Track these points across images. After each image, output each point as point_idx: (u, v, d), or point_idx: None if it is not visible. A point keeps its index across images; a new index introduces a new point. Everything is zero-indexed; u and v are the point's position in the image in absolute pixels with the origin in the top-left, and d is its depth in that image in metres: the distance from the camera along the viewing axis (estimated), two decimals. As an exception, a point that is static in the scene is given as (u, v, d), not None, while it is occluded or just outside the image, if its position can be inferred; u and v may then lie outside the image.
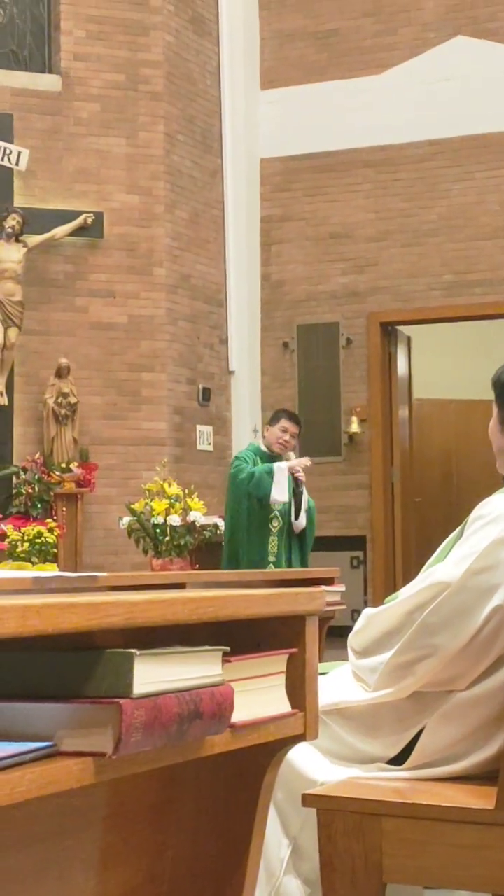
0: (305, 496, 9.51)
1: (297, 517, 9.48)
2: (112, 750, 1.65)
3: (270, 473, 9.25)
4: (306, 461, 9.50)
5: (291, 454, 9.67)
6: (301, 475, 9.42)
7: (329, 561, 10.58)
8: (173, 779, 2.15)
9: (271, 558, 9.41)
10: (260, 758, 2.16)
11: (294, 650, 2.12)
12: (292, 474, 9.39)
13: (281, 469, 9.28)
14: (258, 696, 2.03)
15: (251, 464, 9.42)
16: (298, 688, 2.13)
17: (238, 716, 1.93)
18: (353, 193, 13.39)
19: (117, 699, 1.66)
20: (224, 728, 1.89)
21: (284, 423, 9.62)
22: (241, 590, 2.02)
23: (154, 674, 1.73)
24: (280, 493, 9.26)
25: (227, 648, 1.91)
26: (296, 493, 9.43)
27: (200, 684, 1.83)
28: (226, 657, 1.91)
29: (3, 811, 1.55)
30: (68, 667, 1.72)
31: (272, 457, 9.51)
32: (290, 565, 9.45)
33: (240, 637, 2.05)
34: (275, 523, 9.43)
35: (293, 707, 2.12)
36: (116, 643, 1.79)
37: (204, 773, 2.19)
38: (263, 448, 9.64)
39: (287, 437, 9.57)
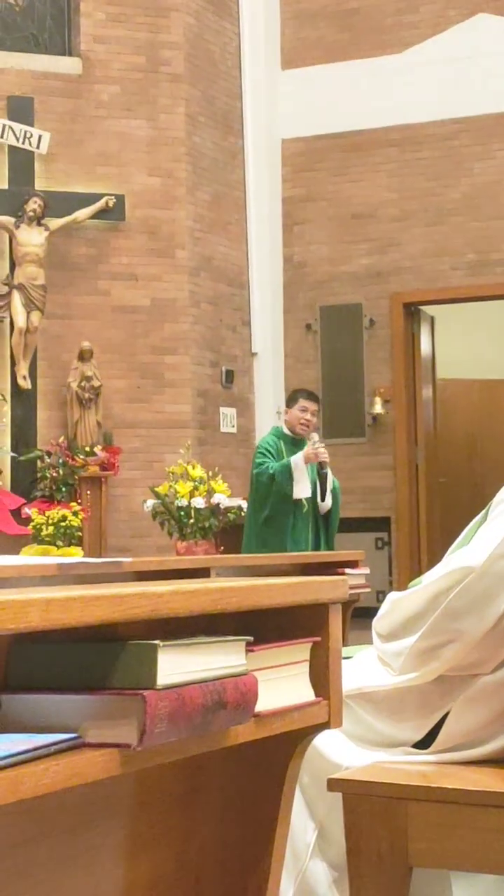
0: (330, 477, 9.49)
1: (322, 498, 9.47)
2: (137, 741, 1.65)
3: (288, 471, 9.20)
4: (322, 452, 9.41)
5: (315, 434, 9.65)
6: (325, 456, 9.40)
7: (353, 542, 10.57)
8: (199, 768, 2.15)
9: (300, 542, 9.41)
10: (284, 746, 2.16)
11: (318, 639, 2.13)
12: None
13: (297, 465, 9.22)
14: (282, 684, 2.03)
15: (274, 454, 9.40)
16: (322, 676, 2.13)
17: (262, 705, 1.93)
18: (375, 173, 13.35)
19: (141, 691, 1.66)
20: (248, 718, 1.89)
21: (303, 402, 9.58)
22: (264, 579, 2.03)
23: (178, 664, 1.73)
24: (302, 490, 9.24)
25: (251, 638, 1.92)
26: (320, 475, 9.41)
27: (224, 674, 1.83)
28: (249, 647, 1.92)
29: (30, 803, 1.56)
30: (92, 658, 1.72)
31: (295, 440, 9.49)
32: (317, 547, 9.44)
33: (263, 625, 2.05)
34: (301, 506, 9.43)
35: (317, 695, 2.12)
36: (140, 633, 1.79)
37: (229, 763, 2.19)
38: (286, 431, 9.61)
39: (308, 417, 9.54)
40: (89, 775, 1.62)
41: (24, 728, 1.68)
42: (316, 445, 9.39)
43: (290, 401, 9.70)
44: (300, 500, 9.27)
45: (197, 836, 2.21)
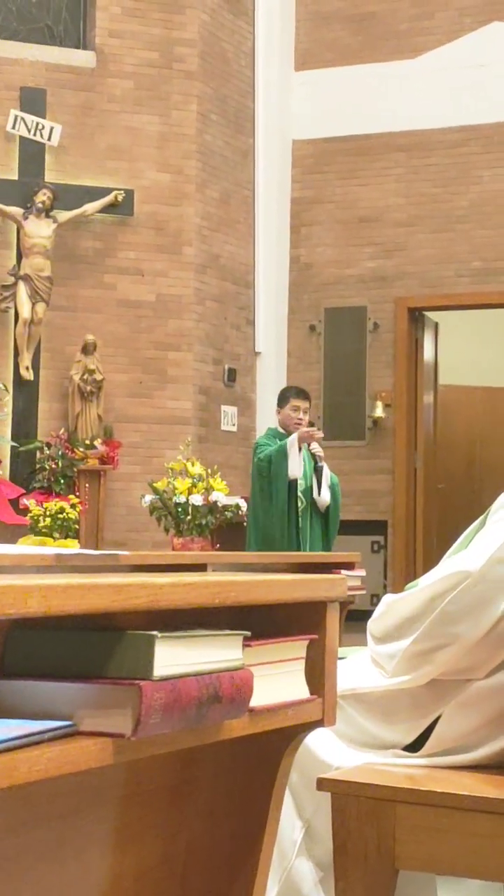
0: (326, 471, 9.51)
1: (319, 493, 9.50)
2: (131, 731, 1.66)
3: (283, 451, 9.26)
4: (318, 433, 9.51)
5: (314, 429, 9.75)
6: (319, 452, 9.45)
7: (350, 545, 10.57)
8: (191, 761, 2.16)
9: (300, 540, 9.44)
10: (277, 742, 2.17)
11: (314, 636, 2.13)
12: (310, 451, 9.43)
13: (291, 444, 9.29)
14: (277, 681, 2.04)
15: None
16: (318, 674, 2.14)
17: (257, 700, 1.93)
18: (384, 177, 13.36)
19: (137, 681, 1.66)
20: (243, 712, 1.90)
21: (294, 402, 9.59)
22: (263, 575, 2.03)
23: (175, 656, 1.73)
24: (294, 467, 9.28)
25: (248, 633, 1.92)
26: (315, 469, 9.43)
27: (220, 668, 1.83)
28: (246, 641, 1.92)
29: (22, 789, 1.56)
30: (89, 647, 1.73)
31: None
32: (316, 546, 9.48)
33: (260, 622, 2.05)
34: (299, 504, 9.46)
35: (312, 693, 2.12)
36: (138, 624, 1.80)
37: (221, 757, 2.20)
38: (280, 430, 9.63)
39: (301, 415, 9.56)
40: (82, 763, 1.63)
41: (19, 714, 1.68)
42: (312, 430, 9.50)
43: (282, 400, 9.69)
44: (295, 480, 9.30)
45: (185, 830, 2.21)
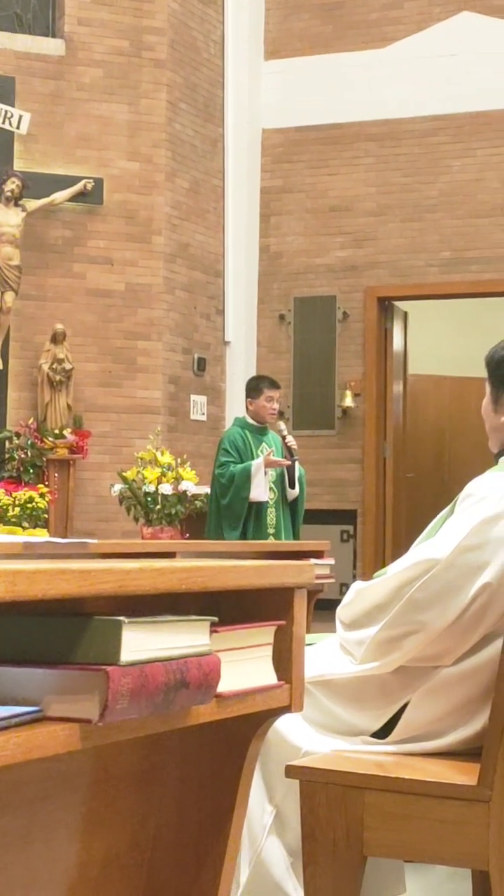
0: (297, 466, 9.59)
1: (292, 486, 9.56)
2: (98, 716, 1.66)
3: (247, 475, 9.32)
4: (284, 461, 9.55)
5: (282, 424, 9.82)
6: (294, 444, 9.53)
7: (319, 534, 10.60)
8: (158, 747, 2.16)
9: (270, 530, 9.49)
10: (245, 728, 2.17)
11: (282, 622, 2.13)
12: (285, 445, 9.50)
13: (258, 469, 9.34)
14: (245, 666, 2.04)
15: (240, 449, 9.50)
16: (285, 660, 2.14)
17: (224, 686, 1.94)
18: (353, 167, 13.36)
19: (104, 666, 1.66)
20: (210, 698, 1.90)
21: (268, 392, 9.65)
22: (231, 561, 2.03)
23: (142, 642, 1.73)
24: (259, 493, 9.37)
25: (216, 618, 1.92)
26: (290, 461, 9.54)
27: (188, 653, 1.83)
28: (214, 627, 1.92)
29: (-11, 774, 1.56)
30: (57, 632, 1.73)
31: (260, 428, 9.60)
32: (287, 536, 9.56)
33: (228, 608, 2.05)
34: (271, 495, 9.50)
35: (279, 679, 2.13)
36: (105, 610, 1.80)
37: (189, 742, 2.20)
38: (250, 420, 9.67)
39: (274, 405, 9.65)
40: (49, 749, 1.63)
41: (-14, 700, 1.68)
42: (284, 433, 9.57)
43: (254, 391, 9.70)
44: (258, 500, 9.40)
45: (153, 815, 2.21)
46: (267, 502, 9.46)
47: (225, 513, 9.46)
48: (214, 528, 9.57)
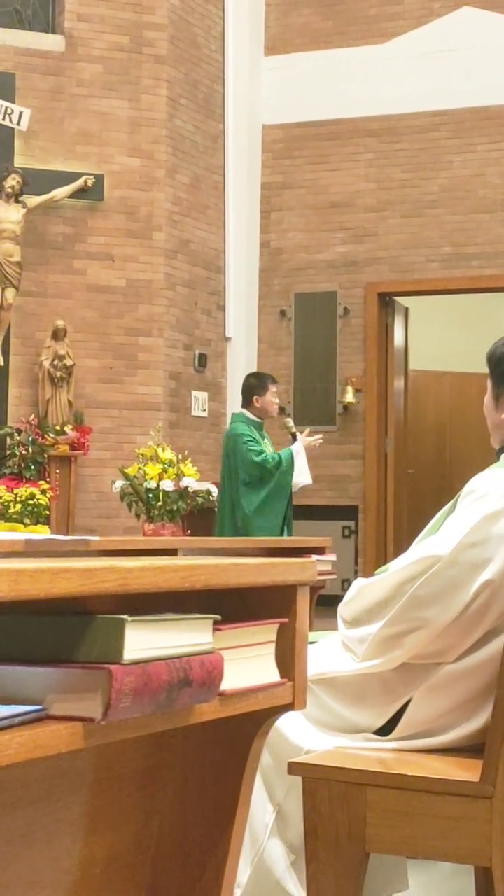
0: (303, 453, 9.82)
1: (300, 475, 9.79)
2: (101, 715, 1.65)
3: (291, 460, 9.48)
4: (318, 439, 9.75)
5: (290, 420, 10.02)
6: (313, 440, 9.77)
7: (320, 530, 10.61)
8: (161, 745, 2.16)
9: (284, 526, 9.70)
10: (248, 726, 2.17)
11: (284, 620, 2.13)
12: (294, 438, 9.76)
13: (297, 450, 9.50)
14: (248, 664, 2.04)
15: (259, 441, 9.63)
16: (288, 657, 2.14)
17: (227, 684, 1.93)
18: (354, 163, 13.35)
19: (107, 665, 1.66)
20: (213, 696, 1.90)
21: (273, 388, 9.94)
22: (233, 559, 2.03)
23: (145, 640, 1.73)
24: (301, 475, 9.52)
25: (219, 616, 1.92)
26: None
27: (191, 652, 1.83)
28: (216, 625, 1.92)
29: (-8, 774, 1.56)
30: (59, 631, 1.72)
31: (260, 424, 9.80)
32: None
33: (230, 605, 2.05)
34: (288, 490, 9.70)
35: (282, 677, 2.12)
36: (108, 609, 1.80)
37: (192, 741, 2.20)
38: (252, 417, 9.78)
39: (277, 400, 9.98)
40: (53, 748, 1.62)
41: (-12, 699, 1.68)
42: (292, 428, 9.90)
43: (259, 388, 9.85)
44: (297, 486, 9.57)
45: (156, 814, 2.21)
46: (289, 500, 9.66)
47: (271, 499, 9.56)
48: (223, 530, 9.66)
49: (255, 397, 9.85)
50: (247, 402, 9.90)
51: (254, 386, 9.94)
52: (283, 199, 13.57)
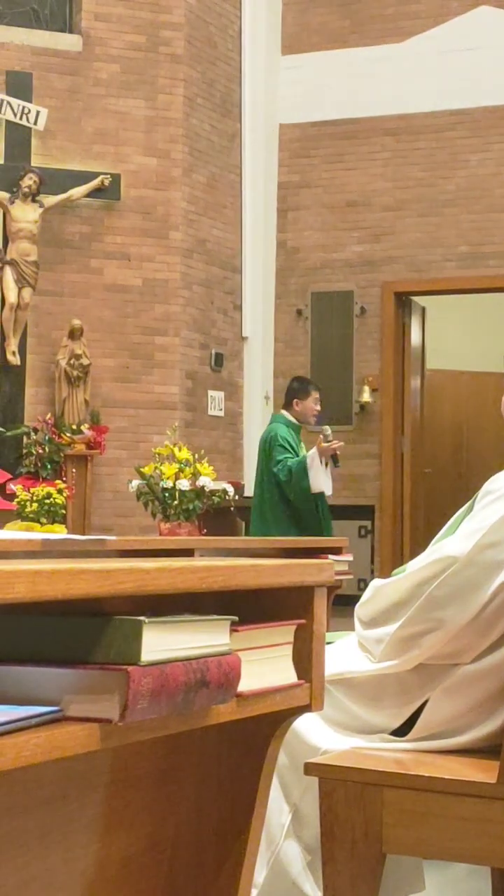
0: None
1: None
2: (118, 716, 1.65)
3: (303, 467, 9.45)
4: (338, 445, 9.69)
5: (328, 428, 9.94)
6: (339, 446, 9.73)
7: (337, 529, 10.59)
8: (178, 746, 2.15)
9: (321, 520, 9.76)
10: (265, 727, 2.16)
11: (302, 621, 2.13)
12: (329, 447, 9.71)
13: (313, 460, 9.49)
14: (265, 666, 2.03)
15: (294, 447, 9.69)
16: (305, 659, 2.13)
17: (244, 685, 1.93)
18: (371, 162, 13.34)
19: (125, 666, 1.66)
20: (230, 697, 1.90)
21: (315, 393, 9.99)
22: (251, 560, 2.02)
23: (162, 641, 1.73)
24: (319, 483, 9.51)
25: (236, 618, 1.92)
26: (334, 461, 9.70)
27: (208, 653, 1.83)
28: (234, 626, 1.92)
29: (9, 775, 1.56)
30: (77, 632, 1.72)
31: (298, 428, 9.96)
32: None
33: (247, 607, 2.05)
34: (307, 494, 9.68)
35: (300, 678, 2.12)
36: (124, 609, 1.79)
37: (209, 742, 2.19)
38: (292, 419, 9.85)
39: (318, 407, 10.00)
40: (69, 749, 1.62)
41: (5, 700, 1.68)
42: (329, 438, 9.69)
43: (302, 392, 9.96)
44: (320, 491, 9.53)
45: (172, 816, 2.21)
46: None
47: (299, 502, 9.57)
48: (258, 528, 9.72)
49: (295, 400, 9.96)
50: (287, 405, 10.01)
51: (296, 389, 10.05)
52: (299, 199, 13.57)
